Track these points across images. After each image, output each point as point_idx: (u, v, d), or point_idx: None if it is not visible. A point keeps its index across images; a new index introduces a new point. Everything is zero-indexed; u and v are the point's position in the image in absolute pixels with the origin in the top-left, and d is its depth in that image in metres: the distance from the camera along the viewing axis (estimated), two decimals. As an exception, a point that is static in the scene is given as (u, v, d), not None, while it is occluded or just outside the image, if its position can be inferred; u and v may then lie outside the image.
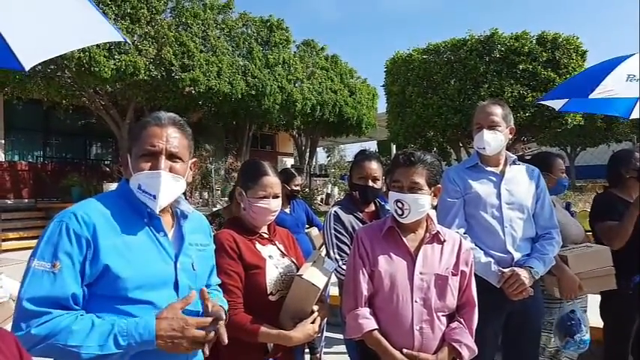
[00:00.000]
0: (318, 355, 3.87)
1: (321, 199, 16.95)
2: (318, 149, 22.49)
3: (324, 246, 4.37)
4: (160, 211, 1.43)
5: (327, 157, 31.25)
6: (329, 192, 17.72)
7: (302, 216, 4.28)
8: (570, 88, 3.62)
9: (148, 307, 1.34)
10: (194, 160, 1.56)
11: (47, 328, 1.19)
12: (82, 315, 1.25)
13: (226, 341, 1.35)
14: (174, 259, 1.43)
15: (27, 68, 1.97)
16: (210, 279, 1.66)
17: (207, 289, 1.61)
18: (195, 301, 1.49)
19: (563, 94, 3.58)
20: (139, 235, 1.39)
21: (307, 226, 4.48)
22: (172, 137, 1.43)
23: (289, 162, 20.56)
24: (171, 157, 1.43)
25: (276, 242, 1.99)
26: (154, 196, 1.39)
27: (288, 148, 21.88)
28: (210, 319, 1.35)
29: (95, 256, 1.29)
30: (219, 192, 12.97)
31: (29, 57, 1.96)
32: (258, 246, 1.90)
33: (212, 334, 1.33)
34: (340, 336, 4.05)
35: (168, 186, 1.40)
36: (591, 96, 3.00)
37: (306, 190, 15.58)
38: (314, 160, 21.87)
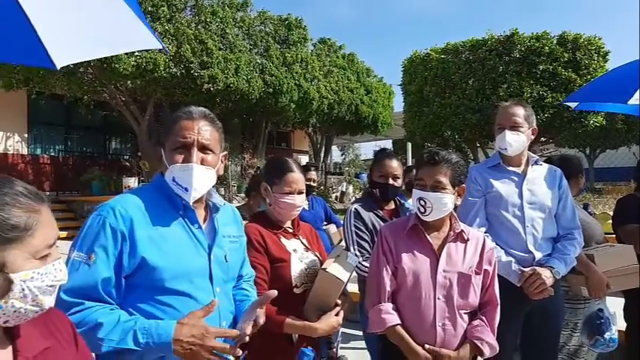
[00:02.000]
0: (334, 349, 3.91)
1: (336, 197, 16.95)
2: (332, 147, 22.50)
3: (342, 242, 4.41)
4: (194, 204, 1.47)
5: (342, 155, 31.20)
6: (344, 190, 17.71)
7: (320, 212, 4.32)
8: (606, 91, 3.49)
9: (184, 297, 1.38)
10: (225, 152, 1.60)
11: (77, 318, 1.24)
12: (111, 309, 1.30)
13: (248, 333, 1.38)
14: (207, 251, 1.47)
15: (58, 67, 1.98)
16: (242, 270, 1.70)
17: (239, 282, 1.66)
18: (229, 300, 1.53)
19: (598, 98, 3.50)
20: (174, 226, 1.43)
21: (325, 222, 4.52)
22: (204, 130, 1.47)
23: (304, 160, 20.61)
24: (203, 149, 1.47)
25: (300, 237, 2.04)
26: (187, 189, 1.43)
27: (303, 145, 21.95)
28: (231, 332, 1.34)
29: (132, 249, 1.33)
30: (235, 188, 13.08)
31: (62, 56, 1.97)
32: (283, 240, 1.95)
33: (238, 350, 1.33)
34: (357, 332, 4.10)
35: (200, 178, 1.44)
36: (630, 102, 2.94)
37: (321, 187, 15.61)
38: (329, 158, 21.88)
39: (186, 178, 1.43)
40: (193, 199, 1.45)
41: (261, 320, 1.40)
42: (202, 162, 1.46)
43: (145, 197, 1.44)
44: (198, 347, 1.25)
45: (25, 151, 13.29)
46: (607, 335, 2.48)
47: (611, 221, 2.94)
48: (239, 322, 1.42)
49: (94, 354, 1.20)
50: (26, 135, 13.33)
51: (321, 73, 15.20)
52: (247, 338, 1.39)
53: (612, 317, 2.54)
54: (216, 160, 1.52)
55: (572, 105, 3.81)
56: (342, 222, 4.67)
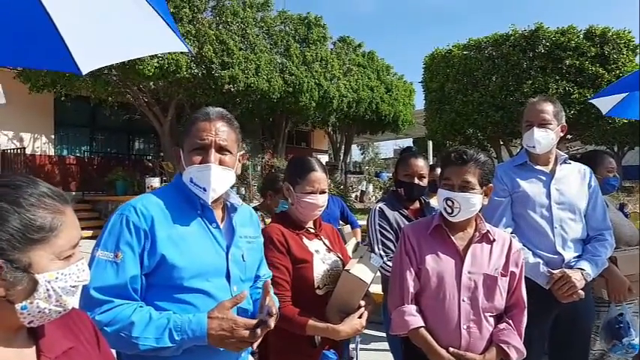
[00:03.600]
0: (353, 350, 3.88)
1: (356, 196, 16.91)
2: (352, 146, 22.43)
3: (353, 241, 4.40)
4: (212, 203, 1.48)
5: (362, 154, 31.10)
6: (363, 189, 17.65)
7: (335, 211, 4.29)
8: (629, 83, 3.39)
9: (203, 296, 1.39)
10: (242, 152, 1.61)
11: (109, 316, 1.27)
12: (140, 307, 1.32)
13: (271, 326, 1.39)
14: (225, 250, 1.48)
15: (84, 72, 1.99)
16: (260, 270, 1.70)
17: (255, 283, 1.66)
18: (247, 300, 1.54)
19: (618, 90, 3.39)
20: (193, 226, 1.44)
21: (342, 222, 4.49)
22: (221, 131, 1.47)
23: (324, 159, 20.61)
24: (221, 149, 1.47)
25: (322, 237, 2.02)
26: (205, 189, 1.44)
27: (323, 145, 21.94)
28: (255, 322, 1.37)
29: (152, 247, 1.35)
30: (255, 188, 13.16)
31: (88, 62, 1.99)
32: (305, 240, 1.94)
33: (259, 332, 1.35)
34: (377, 333, 4.06)
35: (218, 178, 1.45)
36: None
37: (341, 187, 15.58)
38: (349, 157, 21.82)
39: (204, 178, 1.44)
40: (212, 199, 1.46)
41: (274, 309, 1.42)
42: (220, 163, 1.47)
43: (164, 197, 1.46)
44: (228, 339, 1.31)
45: (52, 152, 13.65)
46: (625, 340, 2.40)
47: (642, 221, 2.83)
48: (257, 315, 1.42)
49: (114, 352, 1.21)
50: (53, 136, 13.68)
51: (341, 71, 15.17)
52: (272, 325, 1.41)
53: (633, 322, 2.45)
54: (234, 161, 1.53)
55: (600, 106, 3.65)
56: (358, 223, 4.67)
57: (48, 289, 0.85)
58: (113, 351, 1.18)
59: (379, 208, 2.49)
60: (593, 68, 11.65)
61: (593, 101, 3.81)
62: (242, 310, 1.49)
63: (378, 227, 2.42)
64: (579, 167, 2.43)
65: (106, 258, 1.32)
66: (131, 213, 1.37)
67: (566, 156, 2.45)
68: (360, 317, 1.80)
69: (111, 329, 1.25)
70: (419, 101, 20.25)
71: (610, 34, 11.94)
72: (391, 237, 2.39)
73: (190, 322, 1.30)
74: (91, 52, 1.96)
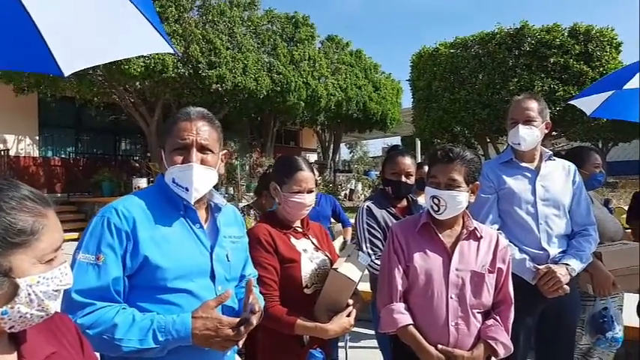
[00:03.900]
0: (343, 348, 3.88)
1: (345, 194, 16.92)
2: (341, 145, 22.46)
3: (341, 239, 4.40)
4: (195, 204, 1.47)
5: (350, 153, 31.15)
6: (352, 187, 17.68)
7: (326, 210, 4.29)
8: (605, 83, 3.45)
9: (187, 296, 1.38)
10: (225, 151, 1.60)
11: (91, 319, 1.25)
12: (123, 308, 1.30)
13: (254, 323, 1.38)
14: (209, 250, 1.47)
15: (66, 74, 1.94)
16: (245, 270, 1.70)
17: (241, 282, 1.65)
18: (232, 299, 1.53)
19: (597, 90, 3.44)
20: (176, 226, 1.43)
21: (334, 221, 4.49)
22: (202, 130, 1.47)
23: (313, 158, 20.61)
24: (202, 149, 1.47)
25: (310, 236, 2.02)
26: (187, 189, 1.43)
27: (311, 144, 21.94)
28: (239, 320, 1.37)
29: (135, 249, 1.34)
30: (244, 187, 13.10)
31: (70, 63, 1.93)
32: (293, 240, 1.93)
33: (243, 330, 1.35)
34: (367, 331, 4.07)
35: (200, 178, 1.44)
36: (626, 87, 2.90)
37: (330, 185, 15.59)
38: (337, 156, 21.85)
39: (186, 178, 1.43)
40: (194, 199, 1.45)
41: (257, 307, 1.41)
42: (202, 162, 1.46)
43: (146, 198, 1.45)
44: (213, 338, 1.30)
45: (36, 154, 13.44)
46: (609, 334, 2.44)
47: (625, 215, 2.88)
48: (241, 313, 1.42)
49: (98, 355, 1.19)
50: (37, 137, 13.47)
51: (329, 70, 15.18)
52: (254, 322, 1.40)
53: (617, 316, 2.49)
54: (216, 160, 1.52)
55: (583, 108, 3.66)
56: (350, 222, 4.68)
57: (29, 294, 0.83)
58: (97, 355, 1.17)
59: (367, 206, 2.49)
60: (578, 66, 11.83)
61: (575, 102, 3.79)
62: (227, 308, 1.49)
63: (366, 226, 2.42)
64: (564, 164, 2.46)
65: (88, 260, 1.31)
66: (112, 215, 1.36)
67: (551, 153, 2.47)
68: (348, 316, 1.81)
69: (93, 332, 1.24)
70: (406, 100, 20.35)
71: (594, 32, 12.12)
72: (379, 235, 2.40)
73: (174, 322, 1.29)
74: (73, 53, 1.92)
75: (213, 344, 1.31)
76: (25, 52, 1.90)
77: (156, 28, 1.99)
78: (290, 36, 14.24)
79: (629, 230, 2.85)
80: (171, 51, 2.11)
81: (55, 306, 0.89)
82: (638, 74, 2.89)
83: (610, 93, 3.30)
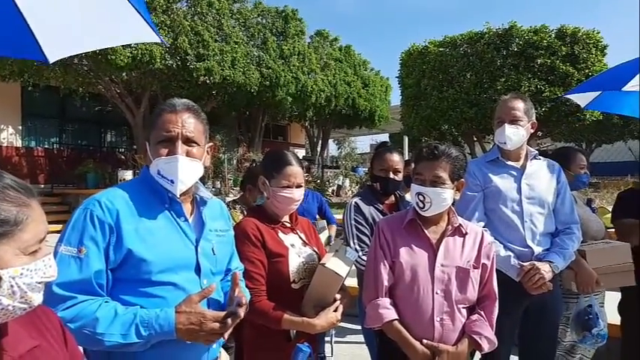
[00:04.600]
0: (328, 343, 3.90)
1: (333, 190, 16.96)
2: (329, 141, 22.46)
3: (326, 233, 4.39)
4: (180, 197, 1.46)
5: (338, 149, 31.17)
6: (340, 184, 17.71)
7: (313, 207, 4.28)
8: (602, 82, 3.52)
9: (172, 289, 1.37)
10: (210, 144, 1.58)
11: (72, 312, 1.23)
12: (106, 302, 1.28)
13: (241, 316, 1.38)
14: (195, 244, 1.46)
15: (51, 61, 1.92)
16: (231, 264, 1.69)
17: (226, 276, 1.64)
18: (217, 292, 1.52)
19: (594, 87, 3.52)
20: (161, 219, 1.42)
21: (318, 217, 4.49)
22: (187, 122, 1.45)
23: (301, 153, 20.59)
24: (188, 141, 1.45)
25: (298, 231, 2.01)
26: (172, 181, 1.42)
27: (300, 139, 21.90)
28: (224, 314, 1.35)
29: (119, 242, 1.32)
30: (231, 182, 13.04)
31: (55, 50, 1.92)
32: (281, 235, 1.93)
33: (229, 322, 1.34)
34: (353, 326, 4.10)
35: (185, 170, 1.43)
36: (624, 88, 2.94)
37: (318, 181, 15.60)
38: (325, 151, 21.85)
39: (171, 170, 1.42)
40: (180, 192, 1.44)
41: (244, 300, 1.40)
42: (187, 154, 1.45)
43: (131, 191, 1.43)
44: (197, 332, 1.30)
45: (19, 144, 13.20)
46: (595, 331, 2.48)
47: (608, 215, 2.93)
48: (227, 307, 1.41)
49: (81, 349, 1.17)
50: (20, 127, 13.22)
51: (318, 66, 15.14)
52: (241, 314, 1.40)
53: (601, 313, 2.54)
54: (202, 152, 1.51)
55: (578, 101, 3.77)
56: (335, 219, 4.69)
57: (12, 285, 0.82)
58: (81, 348, 1.15)
59: (355, 202, 2.50)
60: (564, 67, 11.98)
61: (571, 96, 3.92)
62: (213, 301, 1.48)
63: (353, 222, 2.43)
64: (549, 163, 2.49)
65: (70, 253, 1.28)
66: (95, 207, 1.34)
67: (536, 152, 2.51)
68: (335, 311, 1.81)
69: (74, 325, 1.22)
70: (395, 97, 20.41)
71: (580, 34, 12.28)
72: (366, 231, 2.41)
73: (158, 317, 1.28)
74: (59, 40, 1.89)
75: (198, 338, 1.31)
76: (8, 37, 1.86)
77: (143, 17, 1.96)
78: (280, 30, 14.17)
79: (612, 229, 2.90)
80: (159, 40, 2.08)
81: (38, 298, 0.88)
82: (638, 75, 2.91)
83: (599, 93, 3.39)
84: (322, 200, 4.54)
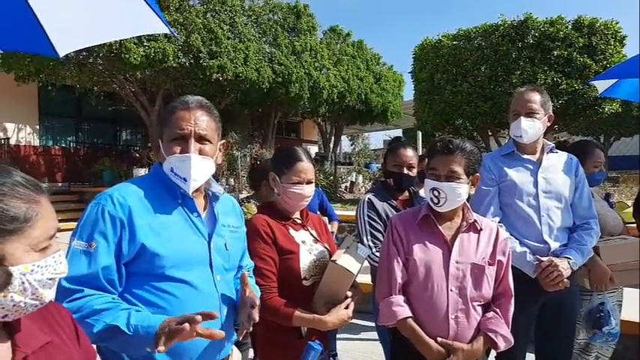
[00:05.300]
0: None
1: (345, 187, 16.90)
2: (342, 137, 22.40)
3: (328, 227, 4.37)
4: (193, 192, 1.46)
5: (351, 145, 31.04)
6: (353, 180, 17.64)
7: (313, 203, 4.26)
8: (620, 70, 3.52)
9: (185, 285, 1.37)
10: (223, 141, 1.59)
11: (77, 305, 1.23)
12: (112, 299, 1.29)
13: (257, 319, 1.36)
14: (207, 239, 1.46)
15: (61, 55, 1.94)
16: (242, 261, 1.69)
17: (238, 273, 1.64)
18: (230, 288, 1.51)
19: (613, 76, 3.49)
20: (174, 215, 1.43)
21: (319, 213, 4.48)
22: (200, 120, 1.46)
23: (314, 150, 20.56)
24: (200, 139, 1.46)
25: (309, 228, 2.00)
26: (185, 179, 1.43)
27: (312, 135, 21.88)
28: (219, 334, 1.24)
29: (132, 236, 1.33)
30: (245, 178, 13.10)
31: (65, 44, 1.94)
32: (292, 231, 1.92)
33: (246, 324, 1.32)
34: (366, 323, 4.08)
35: (198, 168, 1.43)
36: None
37: (331, 178, 15.57)
38: (338, 148, 21.78)
39: (184, 168, 1.42)
40: (192, 189, 1.45)
41: (257, 301, 1.39)
42: (200, 152, 1.45)
43: (143, 186, 1.44)
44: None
45: (36, 143, 13.43)
46: (606, 329, 2.43)
47: (629, 210, 2.86)
48: (238, 318, 1.40)
49: (95, 346, 1.17)
50: (37, 126, 13.45)
51: (331, 61, 15.08)
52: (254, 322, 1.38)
53: (614, 311, 2.48)
54: (214, 150, 1.51)
55: (598, 86, 3.81)
56: (337, 216, 4.65)
57: (23, 282, 0.82)
58: (94, 346, 1.15)
59: (368, 199, 2.48)
60: (581, 59, 11.71)
61: (595, 82, 4.00)
62: (226, 298, 1.48)
63: (367, 218, 2.41)
64: (566, 156, 2.44)
65: (81, 247, 1.30)
66: (107, 202, 1.35)
67: (553, 145, 2.45)
68: (346, 308, 1.80)
69: (77, 316, 1.19)
70: (408, 92, 20.26)
71: (598, 24, 11.98)
72: (380, 228, 2.39)
73: (150, 317, 1.24)
74: (68, 34, 1.90)
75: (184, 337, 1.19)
76: (18, 31, 1.88)
77: (152, 8, 1.96)
78: (291, 26, 14.14)
79: (631, 225, 2.82)
80: (168, 31, 2.08)
81: (49, 295, 0.88)
82: None
83: (615, 81, 3.36)
84: (323, 197, 4.52)
